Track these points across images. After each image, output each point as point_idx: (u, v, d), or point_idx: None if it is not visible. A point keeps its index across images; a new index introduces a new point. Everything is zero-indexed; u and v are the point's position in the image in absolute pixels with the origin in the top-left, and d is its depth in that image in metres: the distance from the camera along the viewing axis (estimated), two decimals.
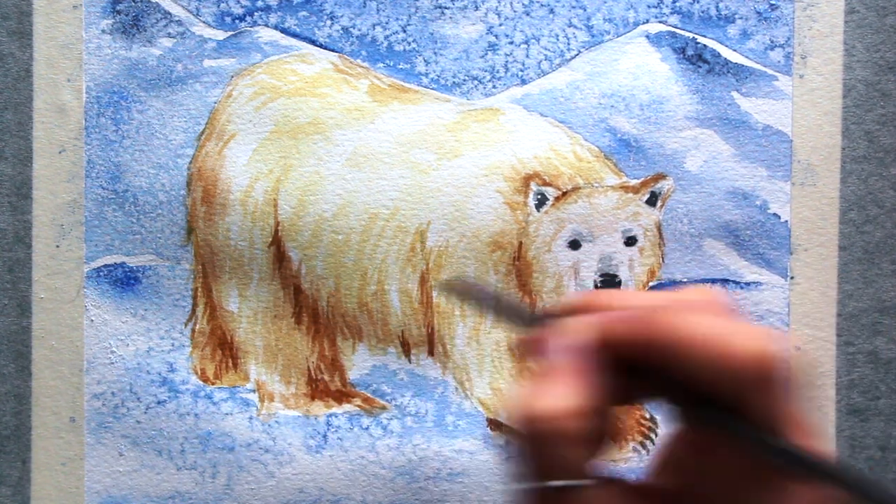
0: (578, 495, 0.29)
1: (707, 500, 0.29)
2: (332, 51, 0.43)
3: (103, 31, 0.43)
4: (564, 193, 0.43)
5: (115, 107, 0.43)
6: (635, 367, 0.29)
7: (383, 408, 0.43)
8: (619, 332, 0.29)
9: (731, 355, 0.27)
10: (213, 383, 0.44)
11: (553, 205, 0.43)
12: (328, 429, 0.43)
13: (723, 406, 0.28)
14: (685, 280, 0.43)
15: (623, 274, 0.43)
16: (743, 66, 0.43)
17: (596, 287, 0.43)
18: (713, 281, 0.43)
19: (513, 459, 0.30)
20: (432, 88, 0.43)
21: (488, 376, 0.43)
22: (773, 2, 0.43)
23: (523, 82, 0.43)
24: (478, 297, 0.35)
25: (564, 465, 0.29)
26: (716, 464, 0.29)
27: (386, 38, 0.43)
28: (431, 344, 0.44)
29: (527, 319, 0.32)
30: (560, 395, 0.29)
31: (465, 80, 0.43)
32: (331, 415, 0.43)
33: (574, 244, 0.43)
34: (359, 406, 0.44)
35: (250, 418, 0.43)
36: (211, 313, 0.44)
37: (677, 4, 0.43)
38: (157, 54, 0.43)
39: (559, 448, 0.28)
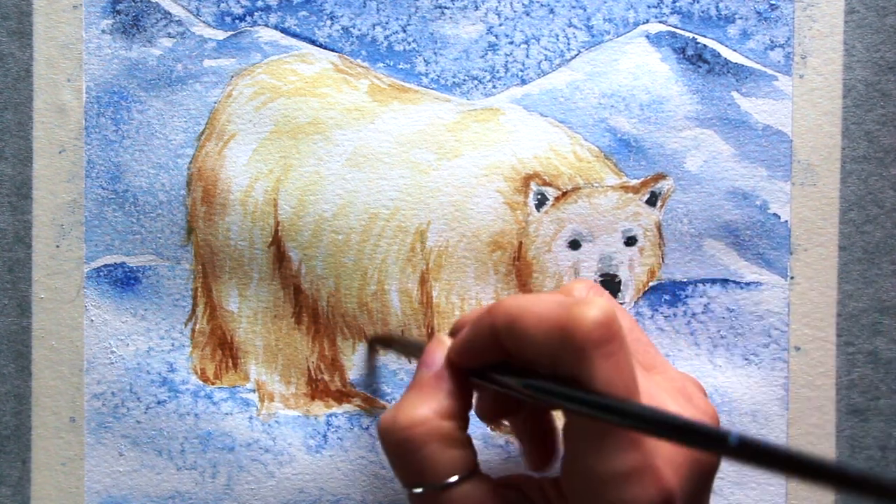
0: (449, 493, 0.31)
1: (571, 475, 0.30)
2: (332, 51, 0.43)
3: (103, 31, 0.43)
4: (564, 193, 0.43)
5: (115, 107, 0.43)
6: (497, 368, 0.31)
7: (383, 408, 0.43)
8: (469, 337, 0.32)
9: (547, 327, 0.29)
10: (213, 383, 0.44)
11: (553, 205, 0.43)
12: (328, 429, 0.43)
13: (562, 379, 0.29)
14: (685, 280, 0.43)
15: (623, 274, 0.43)
16: (743, 66, 0.43)
17: None
18: (713, 281, 0.43)
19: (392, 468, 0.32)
20: (432, 88, 0.43)
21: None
22: (773, 2, 0.43)
23: (523, 82, 0.43)
24: (391, 344, 0.43)
25: (431, 467, 0.31)
26: (568, 441, 0.30)
27: (386, 38, 0.43)
28: None
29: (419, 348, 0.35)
30: (416, 406, 0.32)
31: (465, 80, 0.43)
32: (331, 415, 0.43)
33: (574, 244, 0.43)
34: (359, 406, 0.44)
35: (250, 418, 0.43)
36: (211, 313, 0.44)
37: (677, 4, 0.43)
38: (157, 54, 0.43)
39: (421, 452, 0.31)
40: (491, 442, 0.43)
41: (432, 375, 0.33)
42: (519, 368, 0.31)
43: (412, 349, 0.39)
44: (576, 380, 0.28)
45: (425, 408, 0.32)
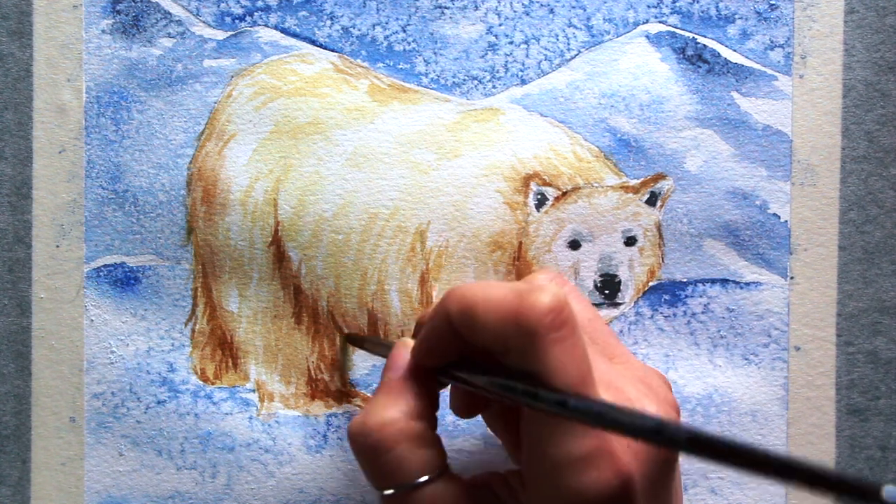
0: (420, 493, 0.31)
1: (530, 463, 0.30)
2: (332, 51, 0.43)
3: (103, 31, 0.43)
4: (564, 193, 0.43)
5: (115, 107, 0.43)
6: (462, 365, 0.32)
7: None
8: (428, 334, 0.32)
9: (500, 314, 0.29)
10: (213, 383, 0.44)
11: (553, 205, 0.43)
12: (328, 429, 0.43)
13: (516, 367, 0.29)
14: (685, 280, 0.43)
15: (623, 274, 0.43)
16: (743, 66, 0.43)
17: (596, 287, 0.43)
18: (713, 281, 0.43)
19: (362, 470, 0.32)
20: (432, 88, 0.43)
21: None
22: (773, 2, 0.43)
23: (523, 82, 0.43)
24: (363, 343, 0.43)
25: (401, 468, 0.32)
26: (527, 429, 0.30)
27: (386, 38, 0.43)
28: None
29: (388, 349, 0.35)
30: (384, 408, 0.32)
31: (465, 80, 0.43)
32: (331, 415, 0.43)
33: (574, 244, 0.43)
34: (359, 406, 0.44)
35: (250, 418, 0.43)
36: (211, 313, 0.44)
37: (677, 4, 0.43)
38: (157, 54, 0.43)
39: (391, 454, 0.31)
40: (491, 442, 0.43)
41: (398, 378, 0.33)
42: (482, 364, 0.31)
43: (382, 350, 0.39)
44: (528, 366, 0.28)
45: (393, 410, 0.32)
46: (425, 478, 0.31)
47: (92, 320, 0.43)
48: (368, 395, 0.44)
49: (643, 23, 0.43)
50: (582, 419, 0.27)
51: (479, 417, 0.36)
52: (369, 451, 0.32)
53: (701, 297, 0.43)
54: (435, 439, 0.33)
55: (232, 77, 0.43)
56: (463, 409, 0.35)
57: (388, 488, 0.32)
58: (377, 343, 0.42)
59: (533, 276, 0.36)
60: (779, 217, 0.43)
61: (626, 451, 0.29)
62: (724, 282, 0.43)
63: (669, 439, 0.25)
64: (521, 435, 0.30)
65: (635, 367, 0.34)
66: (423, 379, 0.33)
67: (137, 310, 0.43)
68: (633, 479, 0.28)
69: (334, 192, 0.43)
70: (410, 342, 0.34)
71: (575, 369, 0.28)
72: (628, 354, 0.35)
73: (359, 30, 0.43)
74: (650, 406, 0.31)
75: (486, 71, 0.43)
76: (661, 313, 0.43)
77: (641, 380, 0.33)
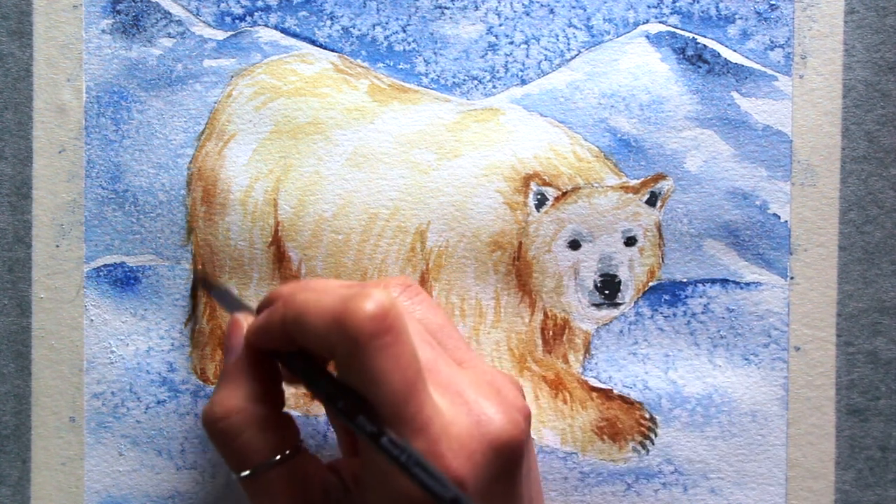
0: (275, 472, 0.32)
1: (364, 462, 0.31)
2: (332, 51, 0.43)
3: (103, 31, 0.43)
4: (564, 193, 0.43)
5: (115, 107, 0.43)
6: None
7: None
8: (263, 324, 0.33)
9: (326, 320, 0.29)
10: (213, 383, 0.44)
11: (553, 205, 0.43)
12: (328, 428, 0.43)
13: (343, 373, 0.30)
14: (685, 280, 0.43)
15: (623, 274, 0.43)
16: (743, 66, 0.43)
17: (596, 287, 0.43)
18: (713, 281, 0.43)
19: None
20: (432, 88, 0.43)
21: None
22: (773, 2, 0.43)
23: (523, 82, 0.43)
24: (212, 288, 0.42)
25: (251, 452, 0.32)
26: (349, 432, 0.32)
27: (386, 38, 0.43)
28: None
29: (234, 307, 0.36)
30: (229, 395, 0.33)
31: (465, 80, 0.43)
32: None
33: (574, 244, 0.43)
34: None
35: None
36: (211, 313, 0.44)
37: (677, 4, 0.43)
38: (157, 54, 0.43)
39: (239, 439, 0.32)
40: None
41: (236, 361, 0.34)
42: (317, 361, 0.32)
43: (229, 304, 0.39)
44: (353, 375, 0.29)
45: (237, 396, 0.33)
46: (277, 457, 0.32)
47: (92, 320, 0.43)
48: None
49: (643, 23, 0.43)
50: (389, 457, 0.28)
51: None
52: (219, 438, 0.33)
53: (701, 297, 0.43)
54: (284, 419, 0.34)
55: (232, 77, 0.43)
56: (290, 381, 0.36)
57: (244, 470, 0.33)
58: (224, 296, 0.41)
59: (377, 282, 0.37)
60: (779, 217, 0.43)
61: (458, 454, 0.29)
62: (724, 282, 0.43)
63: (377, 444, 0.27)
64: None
65: (484, 371, 0.34)
66: (262, 360, 0.34)
67: (137, 310, 0.43)
68: (465, 481, 0.29)
69: (334, 192, 0.43)
70: (243, 320, 0.35)
71: (400, 376, 0.29)
72: (478, 359, 0.35)
73: (359, 30, 0.43)
74: (490, 408, 0.31)
75: (486, 71, 0.43)
76: (661, 313, 0.43)
77: (489, 384, 0.33)
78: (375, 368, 0.28)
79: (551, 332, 0.43)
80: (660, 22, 0.43)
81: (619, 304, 0.43)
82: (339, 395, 0.30)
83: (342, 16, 0.43)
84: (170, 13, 0.43)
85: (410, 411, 0.29)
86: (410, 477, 0.28)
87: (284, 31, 0.43)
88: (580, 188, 0.43)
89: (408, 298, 0.36)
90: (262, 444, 0.32)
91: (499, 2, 0.43)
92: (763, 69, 0.43)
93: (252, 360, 0.34)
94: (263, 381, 0.34)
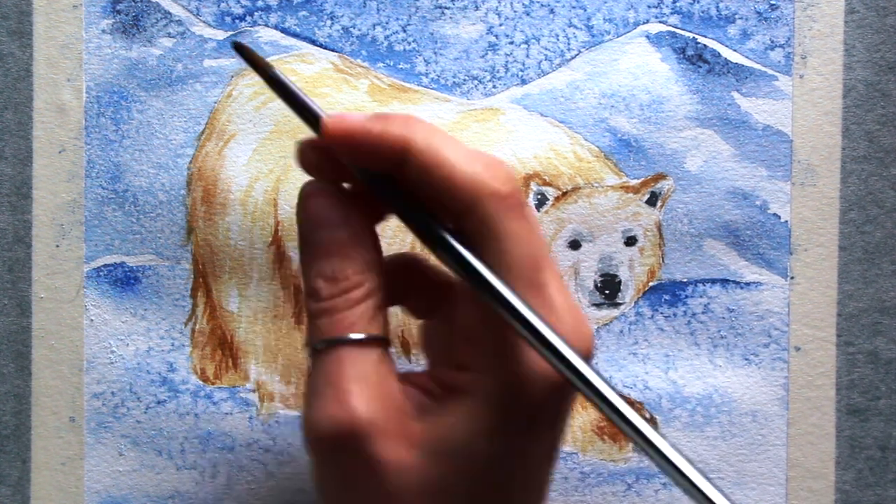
0: (364, 351, 0.30)
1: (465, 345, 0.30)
2: (332, 51, 0.43)
3: (103, 31, 0.43)
4: (564, 193, 0.43)
5: (115, 107, 0.43)
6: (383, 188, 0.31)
7: None
8: (378, 137, 0.30)
9: (467, 177, 0.28)
10: (213, 383, 0.44)
11: (553, 205, 0.43)
12: None
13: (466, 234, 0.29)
14: (685, 280, 0.43)
15: (623, 274, 0.43)
16: (743, 66, 0.43)
17: (596, 287, 0.43)
18: (713, 281, 0.43)
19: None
20: (432, 88, 0.43)
21: None
22: (773, 2, 0.43)
23: (523, 82, 0.43)
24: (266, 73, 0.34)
25: (364, 320, 0.30)
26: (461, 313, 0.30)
27: (386, 38, 0.43)
28: None
29: (311, 119, 0.32)
30: (347, 265, 0.30)
31: (465, 80, 0.43)
32: None
33: (574, 244, 0.43)
34: None
35: (250, 418, 0.43)
36: (211, 313, 0.44)
37: (677, 4, 0.43)
38: (157, 54, 0.43)
39: (360, 307, 0.30)
40: None
41: (346, 235, 0.31)
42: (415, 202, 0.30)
43: (302, 110, 0.33)
44: (487, 233, 0.28)
45: (356, 264, 0.30)
46: (376, 335, 0.30)
47: (92, 320, 0.43)
48: None
49: (643, 23, 0.43)
50: (449, 262, 0.28)
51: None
52: (334, 296, 0.30)
53: (701, 297, 0.43)
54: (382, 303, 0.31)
55: (232, 77, 0.43)
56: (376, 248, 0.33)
57: (347, 334, 0.30)
58: (297, 100, 0.33)
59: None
60: (779, 217, 0.43)
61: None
62: (724, 282, 0.43)
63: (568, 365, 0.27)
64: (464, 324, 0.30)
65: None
66: (364, 223, 0.31)
67: (137, 310, 0.43)
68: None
69: None
70: (316, 187, 0.32)
71: (534, 245, 0.28)
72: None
73: (359, 30, 0.43)
74: (584, 322, 0.30)
75: (486, 71, 0.43)
76: (661, 313, 0.43)
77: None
78: (515, 231, 0.28)
79: None
80: (660, 22, 0.43)
81: (619, 304, 0.43)
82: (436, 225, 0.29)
83: (342, 16, 0.43)
84: (170, 13, 0.43)
85: (540, 280, 0.28)
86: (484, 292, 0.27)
87: (284, 31, 0.43)
88: (580, 188, 0.43)
89: None
90: (375, 316, 0.30)
91: (499, 2, 0.43)
92: (763, 69, 0.43)
93: (360, 229, 0.31)
94: (374, 248, 0.31)
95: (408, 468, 0.29)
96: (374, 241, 0.32)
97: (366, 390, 0.29)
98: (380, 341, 0.30)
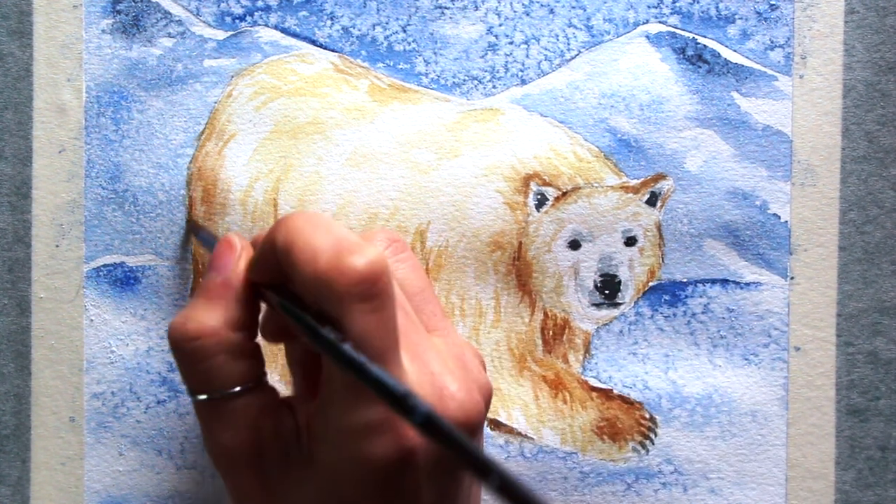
0: (232, 402, 0.32)
1: (318, 420, 0.31)
2: (332, 51, 0.43)
3: (103, 31, 0.43)
4: (564, 193, 0.43)
5: (115, 107, 0.43)
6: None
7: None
8: (259, 253, 0.32)
9: (316, 267, 0.29)
10: None
11: (553, 205, 0.43)
12: None
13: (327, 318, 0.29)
14: (685, 280, 0.43)
15: (623, 274, 0.43)
16: (743, 66, 0.43)
17: (596, 287, 0.43)
18: (713, 281, 0.43)
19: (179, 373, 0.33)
20: (432, 88, 0.43)
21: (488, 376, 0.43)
22: (773, 2, 0.43)
23: (523, 82, 0.43)
24: (199, 231, 0.41)
25: (217, 377, 0.32)
26: (323, 387, 0.31)
27: (386, 38, 0.43)
28: None
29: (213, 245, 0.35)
30: (206, 315, 0.32)
31: (465, 80, 0.43)
32: None
33: (574, 244, 0.43)
34: None
35: None
36: None
37: (677, 4, 0.43)
38: (157, 54, 0.43)
39: (209, 362, 0.31)
40: (491, 441, 0.43)
41: (221, 282, 0.33)
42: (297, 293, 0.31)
43: (210, 244, 0.38)
44: (335, 322, 0.29)
45: (215, 317, 0.32)
46: (238, 388, 0.32)
47: (92, 320, 0.43)
48: None
49: (643, 23, 0.43)
50: (344, 364, 0.28)
51: (261, 333, 0.36)
52: (187, 356, 0.32)
53: (701, 297, 0.43)
54: (254, 349, 0.33)
55: (232, 77, 0.43)
56: (270, 333, 0.35)
57: (202, 394, 0.32)
58: (207, 237, 0.40)
59: (366, 233, 0.36)
60: (779, 217, 0.43)
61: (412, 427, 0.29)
62: (724, 282, 0.43)
63: (408, 409, 0.26)
64: (319, 387, 0.31)
65: (455, 342, 0.34)
66: (247, 286, 0.33)
67: (137, 310, 0.43)
68: (416, 452, 0.29)
69: (334, 191, 0.43)
70: (237, 242, 0.34)
71: (378, 342, 0.28)
72: (451, 329, 0.35)
73: (359, 30, 0.43)
74: (453, 383, 0.31)
75: (486, 71, 0.43)
76: (661, 313, 0.43)
77: (457, 356, 0.33)
78: (356, 330, 0.28)
79: (551, 332, 0.43)
80: (660, 22, 0.43)
81: (619, 304, 0.43)
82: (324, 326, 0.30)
83: (342, 16, 0.43)
84: (170, 13, 0.43)
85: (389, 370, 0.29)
86: (364, 380, 0.27)
87: (284, 31, 0.43)
88: (580, 188, 0.43)
89: (393, 255, 0.35)
90: (230, 372, 0.32)
91: (499, 2, 0.43)
92: (763, 69, 0.43)
93: (238, 285, 0.33)
94: (245, 308, 0.33)
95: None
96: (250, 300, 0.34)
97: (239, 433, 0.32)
98: (250, 387, 0.32)
